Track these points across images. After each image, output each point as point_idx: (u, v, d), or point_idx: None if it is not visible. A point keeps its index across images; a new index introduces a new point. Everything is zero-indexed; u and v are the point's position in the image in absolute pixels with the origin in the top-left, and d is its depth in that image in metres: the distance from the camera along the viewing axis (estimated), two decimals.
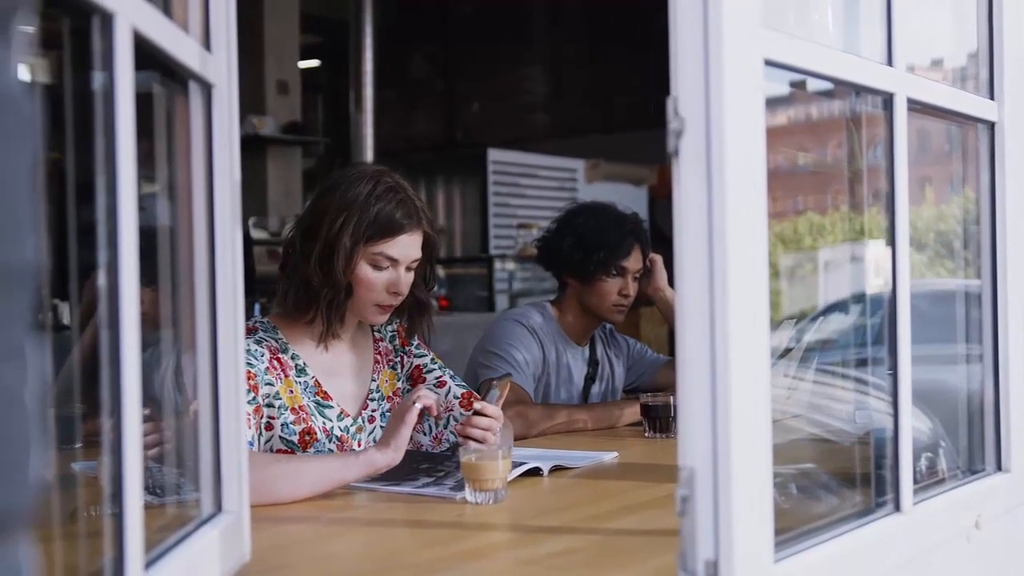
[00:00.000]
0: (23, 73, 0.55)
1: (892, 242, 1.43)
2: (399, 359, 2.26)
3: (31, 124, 0.54)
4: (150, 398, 1.10)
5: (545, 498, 1.89)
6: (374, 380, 2.20)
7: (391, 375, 2.24)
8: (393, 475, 1.97)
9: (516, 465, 1.93)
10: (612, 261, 2.82)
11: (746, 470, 1.10)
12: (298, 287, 2.06)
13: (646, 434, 2.54)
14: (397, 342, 2.27)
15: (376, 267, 2.05)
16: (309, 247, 2.05)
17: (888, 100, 1.42)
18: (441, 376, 2.25)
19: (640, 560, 1.42)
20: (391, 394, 2.22)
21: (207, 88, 1.26)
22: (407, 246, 2.07)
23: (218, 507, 1.29)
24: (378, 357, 2.23)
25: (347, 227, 2.01)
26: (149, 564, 1.03)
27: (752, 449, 1.12)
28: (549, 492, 1.93)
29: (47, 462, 0.57)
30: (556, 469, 2.05)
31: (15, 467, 0.51)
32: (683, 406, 1.11)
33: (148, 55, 1.05)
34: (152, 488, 1.21)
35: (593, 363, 2.99)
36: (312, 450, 2.04)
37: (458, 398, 2.22)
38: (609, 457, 2.22)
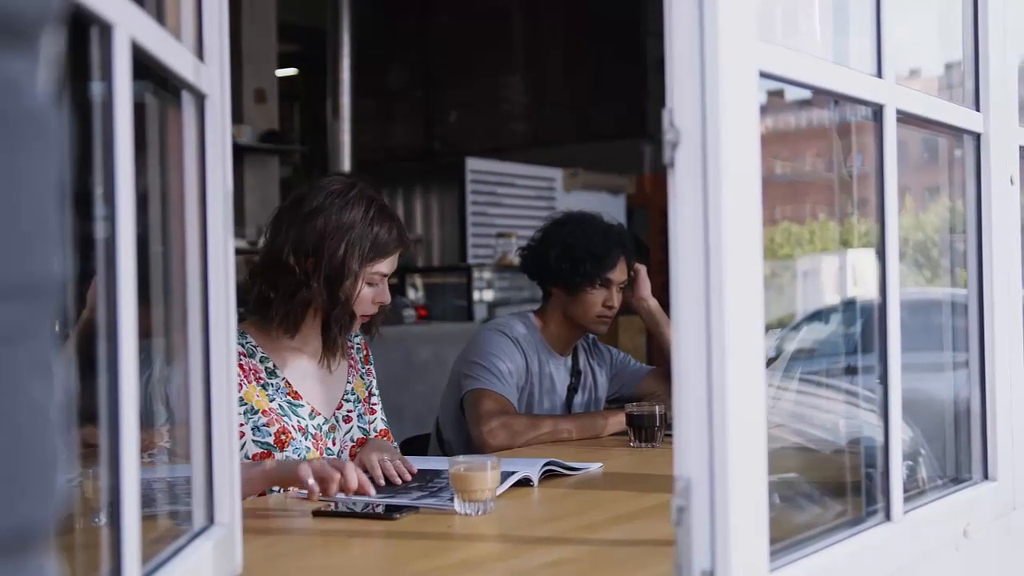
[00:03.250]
0: (49, 88, 0.55)
1: (882, 251, 1.44)
2: (365, 370, 2.36)
3: (58, 139, 0.54)
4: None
5: (535, 509, 1.89)
6: (349, 382, 2.28)
7: (360, 383, 2.32)
8: (386, 490, 1.96)
9: (506, 476, 1.93)
10: (598, 273, 2.81)
11: (742, 480, 1.10)
12: (300, 307, 2.11)
13: (631, 444, 2.54)
14: (361, 356, 2.35)
15: (371, 284, 2.15)
16: (307, 268, 2.09)
17: (878, 111, 1.43)
18: (375, 405, 2.36)
19: (634, 570, 1.42)
20: (363, 399, 2.31)
21: (200, 98, 1.26)
22: (396, 261, 2.20)
23: (210, 520, 1.28)
24: (352, 363, 2.31)
25: (352, 252, 2.10)
26: None
27: (748, 459, 1.12)
28: (538, 503, 1.93)
29: (67, 476, 0.56)
30: (547, 475, 2.05)
31: (43, 482, 0.51)
32: (679, 417, 1.11)
33: (142, 65, 1.04)
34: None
35: (576, 373, 2.98)
36: (290, 448, 2.09)
37: (377, 432, 2.32)
38: (595, 468, 2.22)
